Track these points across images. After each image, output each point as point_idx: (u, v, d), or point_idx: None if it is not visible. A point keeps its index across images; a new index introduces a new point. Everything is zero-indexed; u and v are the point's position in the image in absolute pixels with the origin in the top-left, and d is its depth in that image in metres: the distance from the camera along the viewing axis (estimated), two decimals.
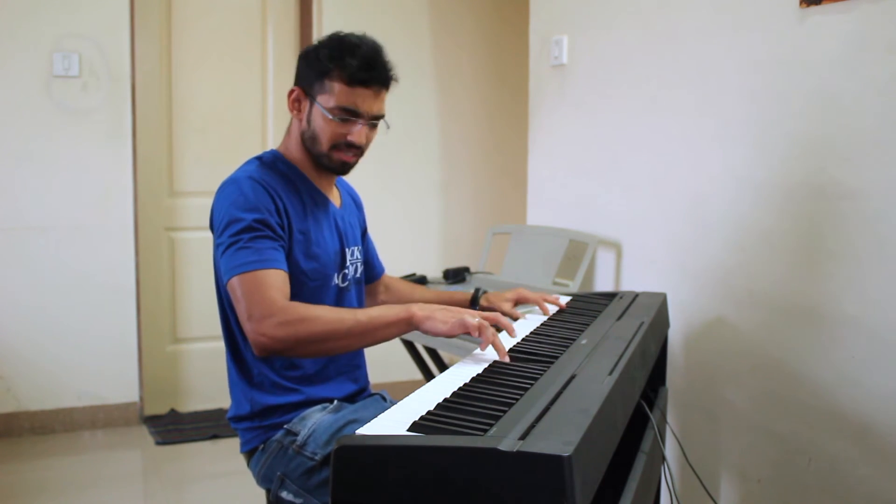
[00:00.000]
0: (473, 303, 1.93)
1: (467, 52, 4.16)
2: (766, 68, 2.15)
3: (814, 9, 2.00)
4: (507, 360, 1.43)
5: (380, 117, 1.68)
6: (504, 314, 1.85)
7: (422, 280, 2.85)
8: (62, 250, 3.45)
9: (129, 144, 3.52)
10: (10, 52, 3.33)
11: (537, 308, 1.92)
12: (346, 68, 1.61)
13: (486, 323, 1.47)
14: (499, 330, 1.56)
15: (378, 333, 1.50)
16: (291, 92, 1.68)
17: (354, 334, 1.48)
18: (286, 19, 3.91)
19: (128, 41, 3.50)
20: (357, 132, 1.65)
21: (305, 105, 1.67)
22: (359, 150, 1.68)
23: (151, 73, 3.65)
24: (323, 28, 3.82)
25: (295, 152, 1.71)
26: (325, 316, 1.47)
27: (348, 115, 1.63)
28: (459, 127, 4.15)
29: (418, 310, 1.50)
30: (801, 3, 2.03)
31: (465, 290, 2.00)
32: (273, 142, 3.87)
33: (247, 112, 3.85)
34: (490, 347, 1.48)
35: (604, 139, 2.80)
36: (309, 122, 1.66)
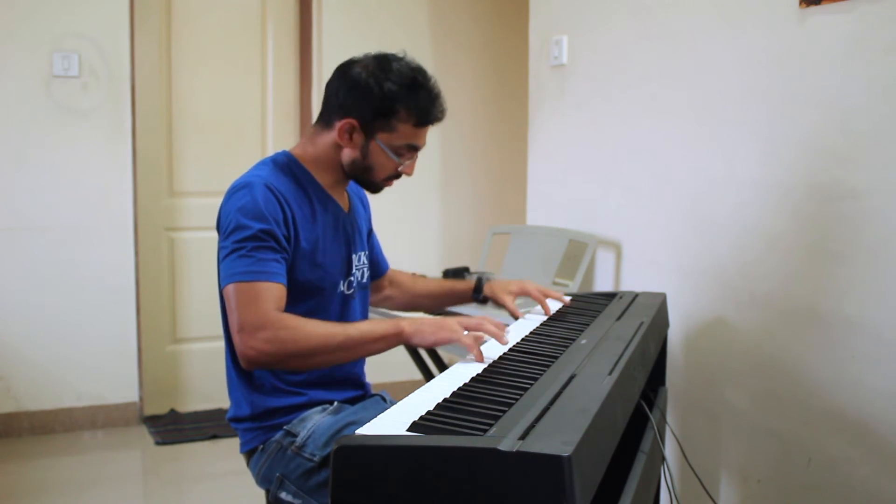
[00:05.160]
0: (477, 291, 1.93)
1: (467, 52, 4.15)
2: (765, 69, 2.15)
3: (814, 9, 2.00)
4: (483, 362, 1.44)
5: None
6: (506, 308, 1.87)
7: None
8: (62, 250, 3.45)
9: (129, 144, 3.52)
10: (10, 52, 3.33)
11: (539, 307, 1.91)
12: (419, 112, 1.62)
13: (471, 341, 1.48)
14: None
15: (367, 348, 1.53)
16: (344, 125, 1.61)
17: (344, 349, 1.50)
18: (286, 19, 3.90)
19: (127, 41, 3.50)
20: (412, 165, 1.70)
21: (359, 138, 1.63)
22: None
23: (151, 73, 3.65)
24: (323, 28, 3.81)
25: (315, 160, 1.68)
26: (316, 331, 1.48)
27: (412, 153, 1.67)
28: (459, 127, 4.15)
29: (407, 325, 1.52)
30: (801, 3, 2.02)
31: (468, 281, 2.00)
32: (273, 141, 3.86)
33: (247, 112, 3.84)
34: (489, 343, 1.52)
35: (604, 139, 2.79)
36: (364, 155, 1.64)
